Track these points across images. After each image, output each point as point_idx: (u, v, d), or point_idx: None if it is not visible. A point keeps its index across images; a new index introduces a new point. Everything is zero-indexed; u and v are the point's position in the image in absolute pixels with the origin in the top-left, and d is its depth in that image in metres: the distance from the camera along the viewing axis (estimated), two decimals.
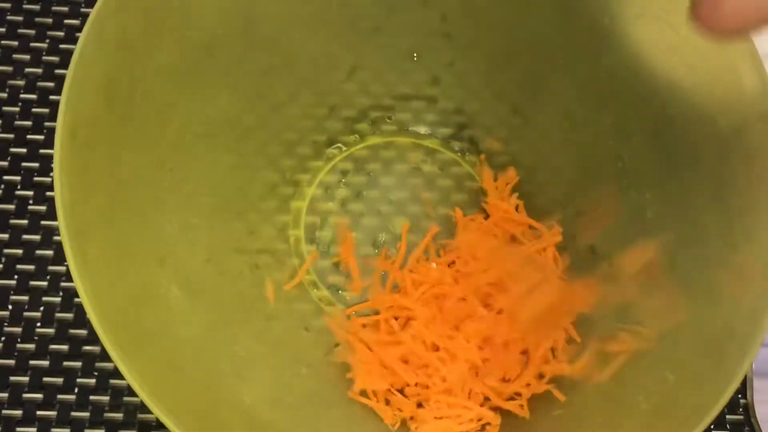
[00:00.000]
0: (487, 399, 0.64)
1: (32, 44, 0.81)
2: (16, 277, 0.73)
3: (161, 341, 0.56)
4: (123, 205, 0.58)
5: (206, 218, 0.68)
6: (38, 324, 0.71)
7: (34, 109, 0.78)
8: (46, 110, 0.79)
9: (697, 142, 0.62)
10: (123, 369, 0.48)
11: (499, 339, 0.63)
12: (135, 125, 0.60)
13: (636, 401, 0.57)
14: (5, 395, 0.68)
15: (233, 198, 0.71)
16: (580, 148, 0.73)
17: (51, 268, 0.73)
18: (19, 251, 0.73)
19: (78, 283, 0.49)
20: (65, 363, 0.70)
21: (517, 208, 0.75)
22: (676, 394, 0.55)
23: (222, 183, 0.70)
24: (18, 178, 0.76)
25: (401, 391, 0.67)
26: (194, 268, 0.65)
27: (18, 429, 0.67)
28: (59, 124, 0.52)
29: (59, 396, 0.69)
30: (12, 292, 0.72)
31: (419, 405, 0.65)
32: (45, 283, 0.73)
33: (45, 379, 0.69)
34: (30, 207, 0.75)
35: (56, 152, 0.51)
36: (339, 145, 0.78)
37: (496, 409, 0.64)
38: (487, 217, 0.75)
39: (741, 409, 0.72)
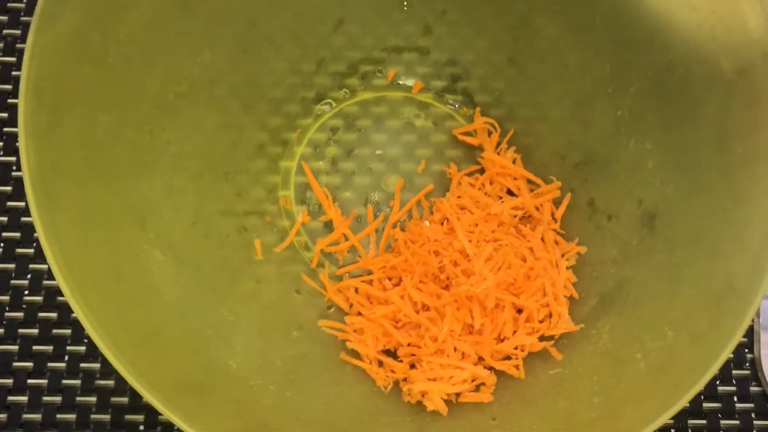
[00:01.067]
0: (481, 359, 0.62)
1: None
2: None
3: (142, 307, 0.55)
4: (99, 170, 0.56)
5: (192, 181, 0.66)
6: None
7: None
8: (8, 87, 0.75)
9: (698, 87, 0.59)
10: (93, 335, 0.47)
11: (491, 298, 0.61)
12: (110, 84, 0.58)
13: (634, 359, 0.55)
14: None
15: (220, 159, 0.69)
16: (578, 98, 0.70)
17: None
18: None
19: (46, 249, 0.47)
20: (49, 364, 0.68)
21: (514, 162, 0.72)
22: (674, 351, 0.53)
23: (208, 144, 0.68)
24: None
25: (394, 354, 0.65)
26: (179, 231, 0.63)
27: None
28: (23, 81, 0.50)
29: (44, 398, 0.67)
30: None
31: (412, 366, 0.64)
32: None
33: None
34: None
35: (20, 110, 0.49)
36: (328, 101, 0.75)
37: (490, 369, 0.62)
38: (483, 172, 0.72)
39: (747, 364, 0.70)
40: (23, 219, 0.72)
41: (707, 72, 0.58)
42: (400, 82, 0.75)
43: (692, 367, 0.50)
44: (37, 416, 0.66)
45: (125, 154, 0.59)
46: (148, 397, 0.47)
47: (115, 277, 0.54)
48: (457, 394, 0.61)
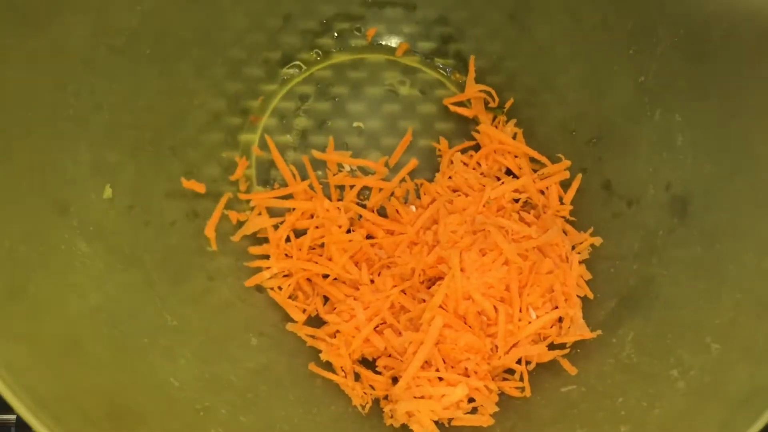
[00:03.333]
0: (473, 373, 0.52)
1: None
2: None
3: (56, 314, 0.43)
4: (4, 138, 0.45)
5: (129, 155, 0.55)
6: None
7: None
8: None
9: (746, 45, 0.48)
10: None
11: (479, 302, 0.50)
12: (22, 33, 0.47)
13: (669, 377, 0.45)
14: None
15: (165, 130, 0.58)
16: (591, 61, 0.59)
17: None
18: None
19: None
20: None
21: (514, 137, 0.61)
22: (721, 369, 0.43)
23: (150, 111, 0.56)
24: None
25: (372, 365, 0.54)
26: (110, 217, 0.52)
27: None
28: None
29: None
30: None
31: (394, 381, 0.53)
32: None
33: None
34: None
35: None
36: (297, 63, 0.64)
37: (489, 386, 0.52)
38: (478, 149, 0.61)
39: None
40: None
41: (759, 26, 0.47)
42: (382, 43, 0.64)
43: (748, 393, 0.40)
44: None
45: (41, 119, 0.49)
46: None
47: (22, 277, 0.42)
48: (450, 418, 0.50)
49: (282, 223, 0.59)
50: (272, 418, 0.49)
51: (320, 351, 0.54)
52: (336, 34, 0.64)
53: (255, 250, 0.58)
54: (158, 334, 0.49)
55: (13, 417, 0.56)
